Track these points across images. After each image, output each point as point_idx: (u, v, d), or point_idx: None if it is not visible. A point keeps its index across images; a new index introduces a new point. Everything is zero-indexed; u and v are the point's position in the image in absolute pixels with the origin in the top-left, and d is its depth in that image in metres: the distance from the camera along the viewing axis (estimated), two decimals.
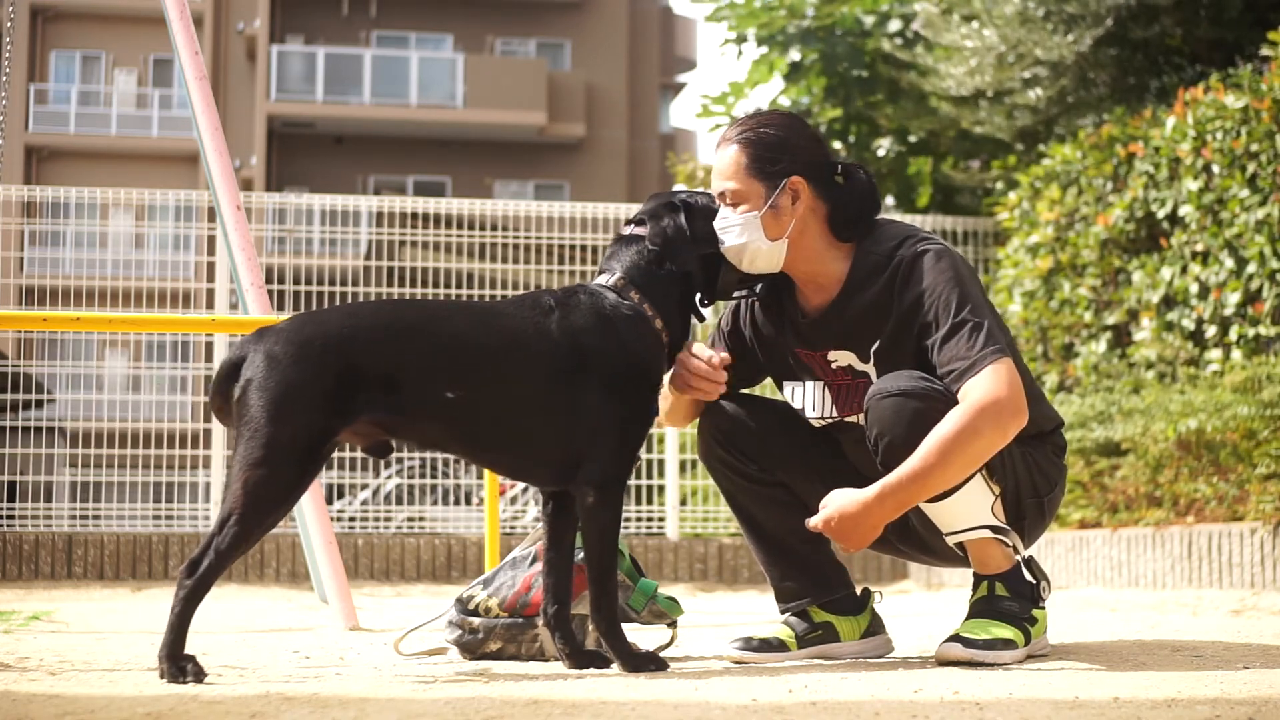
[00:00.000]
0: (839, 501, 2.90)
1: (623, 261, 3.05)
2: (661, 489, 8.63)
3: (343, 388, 2.74)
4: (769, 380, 3.37)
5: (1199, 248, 6.92)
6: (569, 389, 2.89)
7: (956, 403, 2.87)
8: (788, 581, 3.27)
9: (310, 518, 5.20)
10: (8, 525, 8.09)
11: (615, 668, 2.93)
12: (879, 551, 3.26)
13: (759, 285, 3.18)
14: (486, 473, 5.72)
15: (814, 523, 2.93)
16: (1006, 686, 2.52)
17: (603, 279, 3.04)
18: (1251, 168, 6.58)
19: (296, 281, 8.51)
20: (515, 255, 8.87)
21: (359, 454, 8.87)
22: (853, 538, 2.90)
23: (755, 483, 3.25)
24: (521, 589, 3.28)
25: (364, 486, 9.21)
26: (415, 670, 3.01)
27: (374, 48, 28.68)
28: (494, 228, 8.91)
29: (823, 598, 3.25)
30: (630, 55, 29.88)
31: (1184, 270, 7.06)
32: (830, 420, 3.17)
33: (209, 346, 8.68)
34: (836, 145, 11.32)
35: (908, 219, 9.37)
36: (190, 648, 2.69)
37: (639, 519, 8.58)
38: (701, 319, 3.14)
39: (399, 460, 9.58)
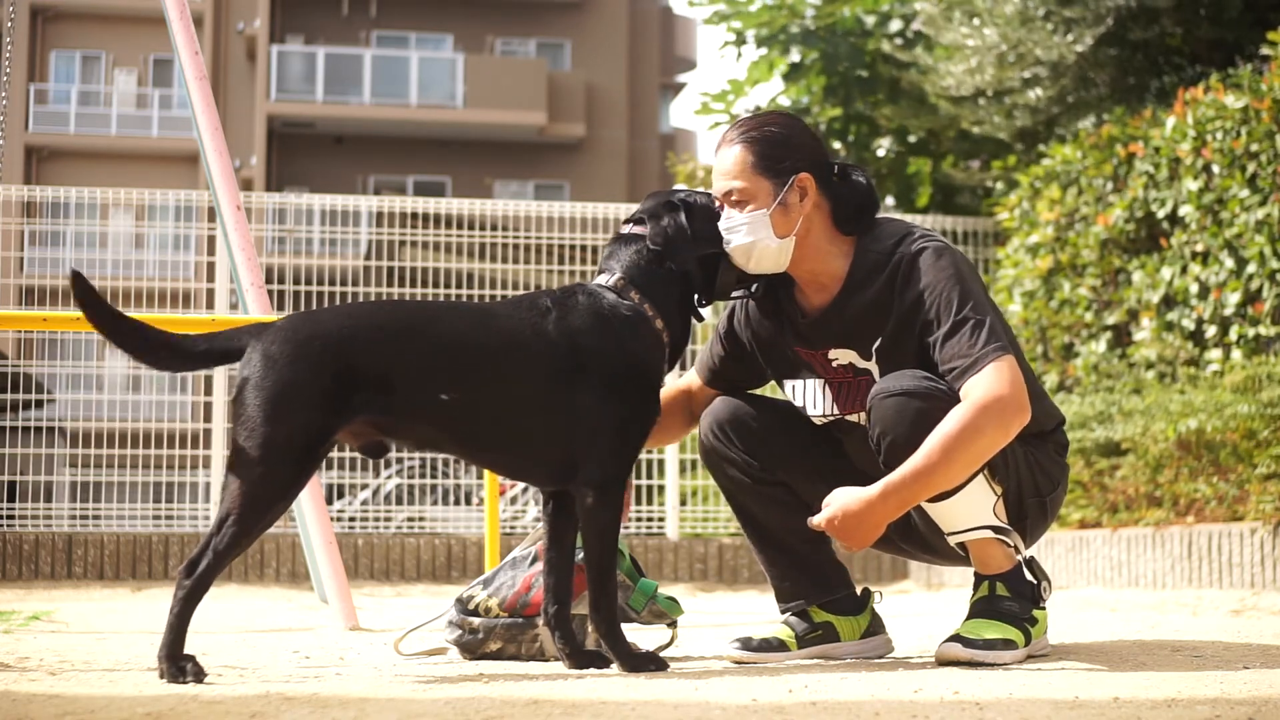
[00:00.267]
0: (842, 500, 2.90)
1: (622, 261, 3.04)
2: (661, 489, 8.63)
3: (339, 387, 2.74)
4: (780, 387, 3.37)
5: (1199, 248, 6.92)
6: (567, 390, 2.88)
7: (959, 402, 2.87)
8: (788, 581, 3.27)
9: (310, 518, 5.20)
10: (8, 525, 8.08)
11: (615, 668, 2.92)
12: (881, 550, 3.27)
13: (756, 286, 3.18)
14: (487, 472, 5.71)
15: (816, 521, 2.93)
16: (1006, 686, 2.52)
17: (602, 279, 3.04)
18: (1251, 168, 6.58)
19: (296, 281, 8.51)
20: (515, 255, 8.87)
21: (359, 454, 8.86)
22: (855, 536, 2.90)
23: (756, 482, 3.25)
24: (521, 589, 3.28)
25: (364, 486, 9.21)
26: (415, 670, 3.01)
27: (374, 48, 28.68)
28: (494, 228, 8.91)
29: (823, 598, 3.25)
30: (630, 55, 29.88)
31: (1184, 270, 7.06)
32: (832, 418, 3.17)
33: None
34: (836, 145, 11.32)
35: (908, 219, 9.36)
36: (190, 648, 2.69)
37: (639, 519, 8.58)
38: (700, 319, 3.14)
39: (399, 460, 9.58)
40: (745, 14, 11.41)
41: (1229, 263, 6.68)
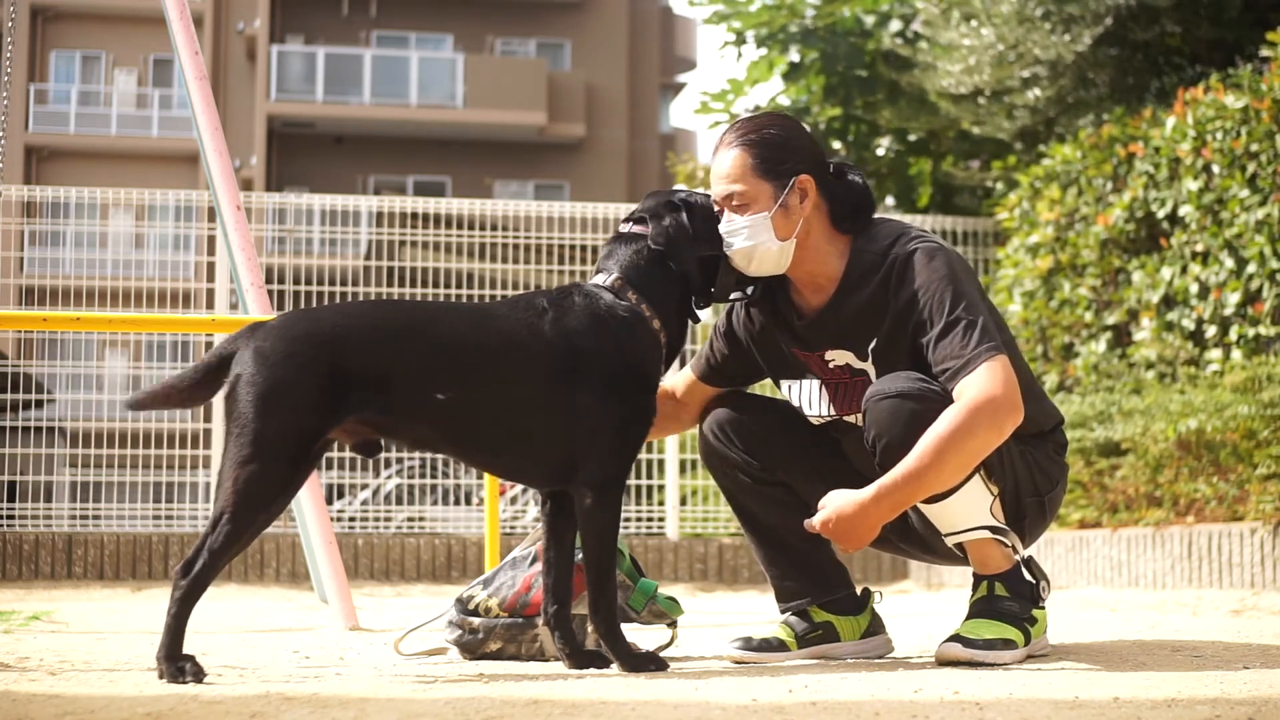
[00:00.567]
0: (836, 502, 2.90)
1: (620, 261, 3.04)
2: (661, 489, 8.63)
3: (333, 386, 2.73)
4: (768, 381, 3.37)
5: (1199, 248, 6.92)
6: (564, 390, 2.87)
7: (952, 403, 2.87)
8: (788, 581, 3.27)
9: (310, 518, 5.20)
10: (8, 525, 8.08)
11: (615, 668, 2.92)
12: (880, 550, 3.27)
13: (754, 288, 3.17)
14: (487, 472, 5.71)
15: (812, 523, 2.93)
16: (1006, 686, 2.52)
17: (599, 279, 3.03)
18: (1251, 168, 6.58)
19: (296, 281, 8.51)
20: (515, 255, 8.86)
21: (352, 452, 8.85)
22: (850, 538, 2.90)
23: (756, 482, 3.25)
24: (521, 589, 3.28)
25: (364, 486, 9.21)
26: (415, 670, 3.01)
27: (374, 48, 28.68)
28: (494, 228, 8.91)
29: (823, 597, 3.26)
30: (630, 55, 29.88)
31: (1184, 270, 7.06)
32: (829, 418, 3.17)
33: (209, 346, 8.67)
34: (836, 145, 11.32)
35: (907, 219, 9.37)
36: (190, 648, 2.69)
37: (639, 519, 8.58)
38: (697, 320, 3.14)
39: (399, 460, 9.58)
40: (745, 14, 11.41)
41: (1229, 263, 6.68)
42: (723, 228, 3.05)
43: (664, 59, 32.13)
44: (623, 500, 3.00)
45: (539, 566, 3.23)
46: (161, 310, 9.29)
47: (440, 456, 9.37)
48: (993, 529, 3.00)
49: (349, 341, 2.77)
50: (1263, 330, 6.46)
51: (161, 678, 2.64)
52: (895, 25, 11.12)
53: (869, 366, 3.06)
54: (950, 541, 3.05)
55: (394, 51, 28.46)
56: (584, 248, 8.75)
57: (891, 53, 10.76)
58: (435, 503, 9.34)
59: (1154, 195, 7.32)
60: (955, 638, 2.96)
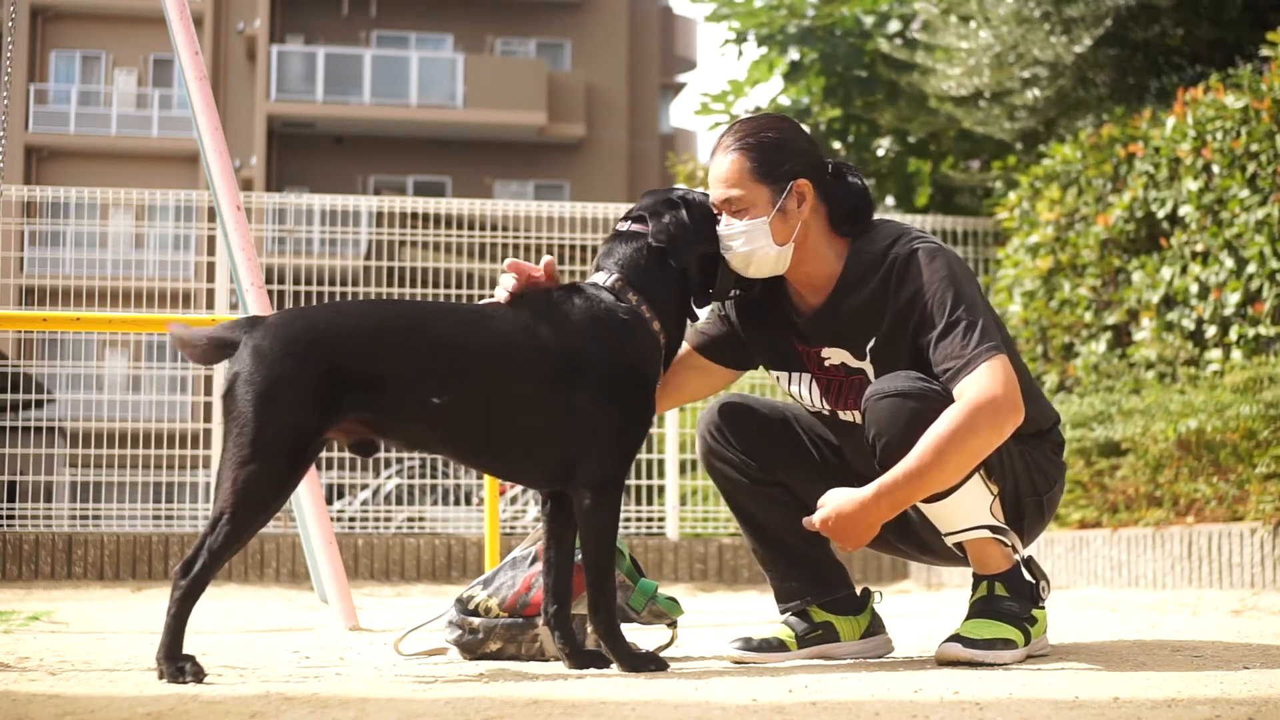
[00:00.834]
0: (836, 501, 2.90)
1: (620, 260, 3.02)
2: (661, 489, 8.63)
3: (330, 384, 2.73)
4: (767, 381, 3.37)
5: (1199, 248, 6.92)
6: (562, 392, 2.87)
7: (953, 402, 2.87)
8: (787, 581, 3.27)
9: (310, 518, 5.20)
10: (8, 525, 8.09)
11: (615, 668, 2.92)
12: (879, 550, 3.27)
13: (755, 287, 3.16)
14: (485, 473, 5.71)
15: (811, 521, 2.93)
16: (1006, 686, 2.52)
17: (599, 278, 3.02)
18: (1251, 168, 6.58)
19: (296, 281, 8.51)
20: (515, 255, 8.86)
21: (349, 452, 8.85)
22: (849, 537, 2.90)
23: (754, 482, 3.25)
24: (521, 589, 3.28)
25: (364, 486, 9.21)
26: (415, 670, 3.01)
27: (374, 48, 28.68)
28: (494, 228, 8.91)
29: (822, 597, 3.26)
30: (630, 55, 29.88)
31: (1184, 270, 7.06)
32: (826, 410, 3.16)
33: None
34: (836, 145, 11.32)
35: (907, 219, 9.37)
36: (190, 648, 2.69)
37: (639, 519, 8.58)
38: (696, 319, 3.13)
39: (399, 460, 9.59)
40: (745, 13, 11.41)
41: (1229, 263, 6.68)
42: (721, 231, 3.04)
43: (664, 59, 32.14)
44: (622, 500, 2.99)
45: (539, 566, 3.22)
46: (161, 310, 9.29)
47: (440, 456, 9.38)
48: (992, 528, 3.00)
49: (346, 340, 2.77)
50: (1263, 330, 6.46)
51: (161, 678, 2.64)
52: (894, 26, 11.12)
53: (866, 365, 3.06)
54: (950, 541, 3.05)
55: (394, 51, 28.47)
56: (584, 248, 8.75)
57: (890, 56, 10.76)
58: (435, 503, 9.34)
59: (1154, 195, 7.32)
60: (955, 638, 2.96)
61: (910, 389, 2.89)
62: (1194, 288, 6.93)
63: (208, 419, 8.26)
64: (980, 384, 2.84)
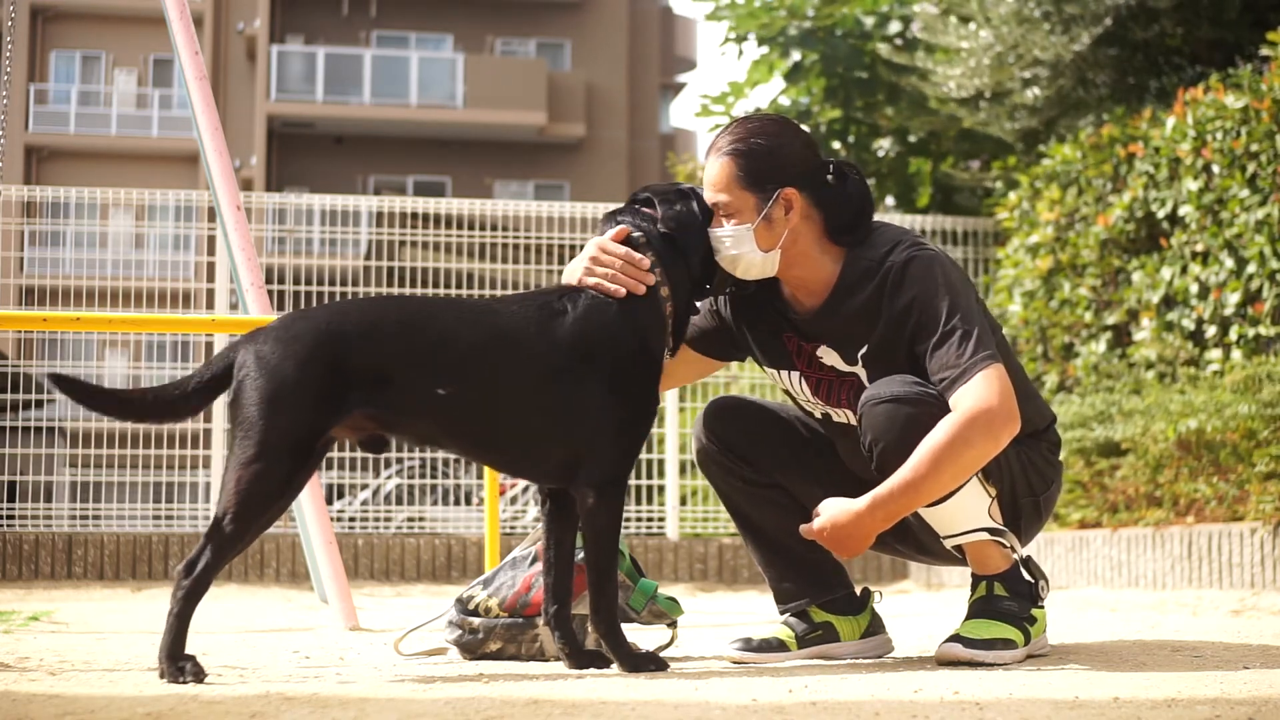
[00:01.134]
0: (831, 511, 2.90)
1: (644, 229, 3.02)
2: (661, 489, 8.63)
3: (333, 383, 2.74)
4: (767, 382, 3.37)
5: (1199, 248, 6.92)
6: (568, 385, 2.87)
7: (949, 407, 2.87)
8: (786, 582, 3.27)
9: (310, 518, 5.20)
10: (8, 525, 8.09)
11: (615, 668, 2.92)
12: (877, 551, 3.26)
13: (750, 286, 3.16)
14: (486, 472, 5.72)
15: (808, 529, 2.93)
16: (1006, 686, 2.52)
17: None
18: (1251, 168, 6.58)
19: (296, 281, 8.51)
20: (515, 255, 8.87)
21: (359, 454, 8.88)
22: (845, 547, 2.90)
23: (751, 485, 3.25)
24: (521, 589, 3.28)
25: (364, 486, 9.21)
26: (415, 670, 3.01)
27: (374, 48, 28.68)
28: (494, 228, 8.91)
29: (822, 598, 3.25)
30: (630, 55, 29.89)
31: (1184, 270, 7.06)
32: (818, 408, 3.16)
33: (209, 346, 8.68)
34: (836, 146, 11.31)
35: (908, 219, 9.37)
36: (190, 648, 2.69)
37: (639, 519, 8.58)
38: (697, 311, 3.13)
39: (399, 460, 9.59)
40: (745, 14, 11.41)
41: (1229, 263, 6.68)
42: (712, 232, 3.04)
43: (664, 59, 32.14)
44: (624, 500, 2.99)
45: (539, 566, 3.22)
46: (161, 310, 9.29)
47: (440, 456, 9.38)
48: (991, 531, 3.00)
49: (348, 337, 2.77)
50: (1263, 330, 6.46)
51: (162, 678, 2.64)
52: (895, 27, 11.11)
53: (859, 370, 3.05)
54: (949, 544, 3.05)
55: (394, 51, 28.47)
56: (584, 248, 8.73)
57: (890, 60, 10.75)
58: (435, 503, 9.34)
59: (1154, 195, 7.32)
60: (955, 638, 2.96)
61: (906, 394, 2.89)
62: (1194, 288, 6.93)
63: (208, 419, 8.26)
64: (976, 394, 2.83)
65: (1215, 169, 6.83)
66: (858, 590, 3.32)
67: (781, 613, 3.30)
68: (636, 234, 3.00)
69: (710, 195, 3.04)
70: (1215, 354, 6.74)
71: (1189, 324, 6.99)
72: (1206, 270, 6.84)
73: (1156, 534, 6.02)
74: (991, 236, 9.24)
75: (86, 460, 8.68)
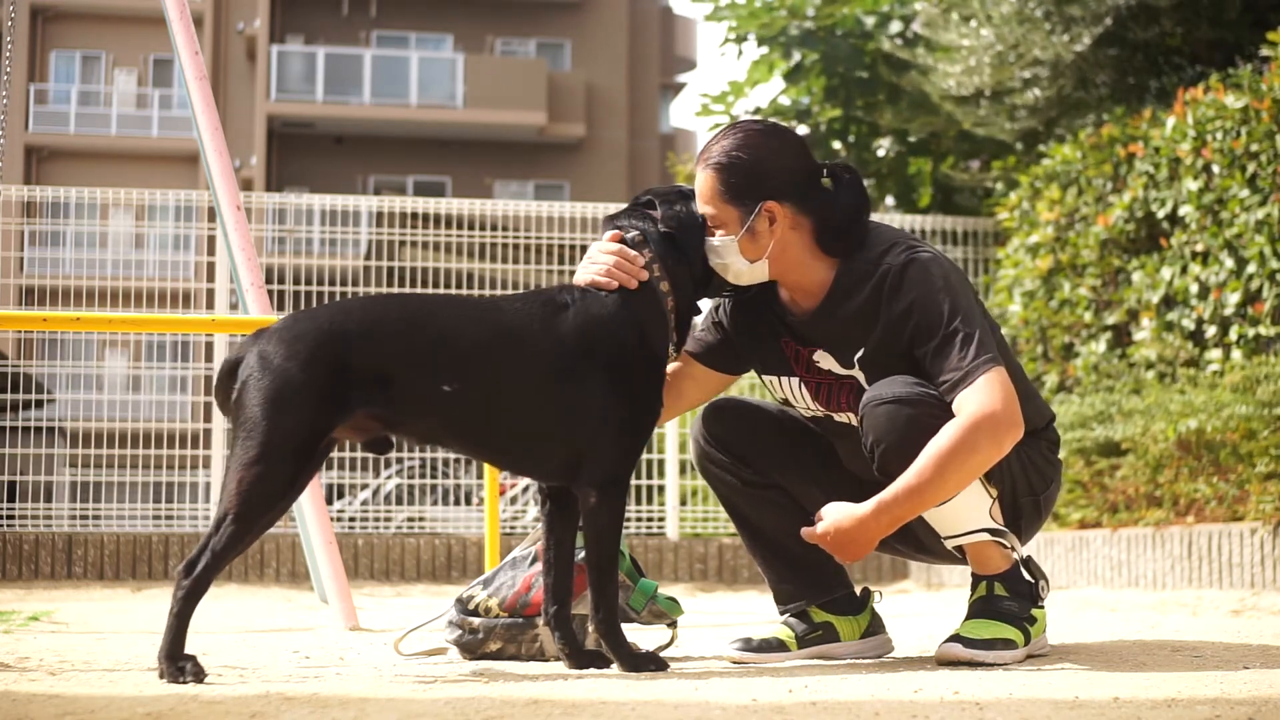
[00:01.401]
0: (834, 515, 2.90)
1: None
2: (661, 489, 8.63)
3: (336, 383, 2.74)
4: (760, 385, 3.36)
5: (1199, 248, 6.92)
6: (571, 382, 2.87)
7: (950, 408, 2.86)
8: (786, 583, 3.27)
9: (310, 518, 5.20)
10: (8, 525, 8.09)
11: (615, 668, 2.92)
12: (878, 551, 3.26)
13: (748, 292, 3.16)
14: (487, 472, 5.71)
15: (811, 533, 2.93)
16: (1006, 686, 2.52)
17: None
18: (1251, 168, 6.58)
19: (296, 281, 8.51)
20: (515, 255, 8.87)
21: (359, 454, 8.88)
22: (848, 551, 2.90)
23: (750, 486, 3.25)
24: (521, 589, 3.28)
25: (364, 486, 9.21)
26: (415, 670, 3.01)
27: (374, 48, 28.68)
28: (494, 228, 8.91)
29: (822, 598, 3.25)
30: (630, 55, 29.88)
31: (1184, 270, 7.06)
32: (819, 412, 3.16)
33: (209, 346, 8.68)
34: (836, 146, 11.31)
35: (908, 220, 9.37)
36: (190, 648, 2.69)
37: (639, 519, 8.58)
38: (699, 311, 3.13)
39: (399, 460, 9.59)
40: (745, 14, 11.41)
41: (1229, 263, 6.68)
42: (706, 241, 3.05)
43: (664, 59, 32.13)
44: (627, 500, 2.99)
45: (539, 566, 3.22)
46: (161, 310, 9.29)
47: (440, 456, 9.39)
48: (992, 531, 3.00)
49: (351, 336, 2.77)
50: (1263, 330, 6.46)
51: (162, 678, 2.64)
52: (895, 26, 11.12)
53: (856, 373, 3.05)
54: (950, 544, 3.05)
55: (394, 51, 28.47)
56: (584, 248, 8.72)
57: (892, 55, 10.76)
58: (435, 503, 9.34)
59: (1154, 195, 7.32)
60: (955, 638, 2.96)
61: (907, 395, 2.89)
62: (1194, 288, 6.93)
63: (208, 419, 8.26)
64: (979, 399, 2.83)
65: (1215, 169, 6.83)
66: (857, 590, 3.32)
67: (781, 613, 3.30)
68: (633, 234, 3.01)
69: (700, 206, 3.05)
70: (1215, 354, 6.74)
71: (1189, 324, 6.99)
72: (1206, 270, 6.84)
73: (1156, 534, 6.02)
74: (991, 236, 9.24)
75: (86, 460, 8.68)
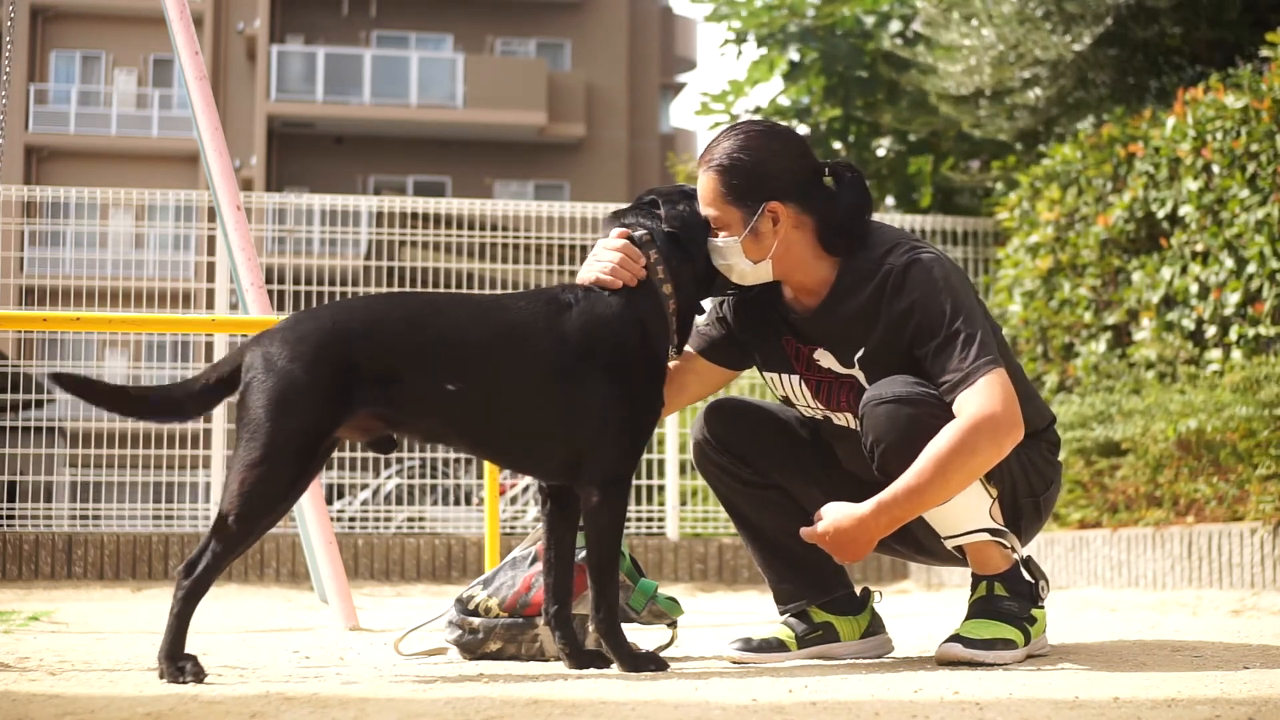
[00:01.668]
0: (834, 515, 2.90)
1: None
2: (661, 489, 8.63)
3: (340, 383, 2.73)
4: (761, 385, 3.36)
5: (1199, 248, 6.92)
6: (573, 384, 2.87)
7: (950, 407, 2.87)
8: (786, 583, 3.27)
9: (310, 518, 5.20)
10: (8, 525, 8.09)
11: (615, 668, 2.92)
12: (877, 552, 3.26)
13: (751, 290, 3.16)
14: (487, 472, 5.71)
15: (811, 532, 2.93)
16: (1006, 686, 2.52)
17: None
18: (1251, 168, 6.58)
19: (296, 281, 8.51)
20: (515, 255, 8.87)
21: (359, 454, 8.88)
22: (848, 551, 2.90)
23: (750, 486, 3.25)
24: (521, 589, 3.28)
25: (364, 486, 9.21)
26: (415, 670, 3.01)
27: (374, 48, 28.68)
28: (494, 228, 8.91)
29: (821, 598, 3.25)
30: (630, 55, 29.88)
31: (1184, 270, 7.06)
32: (818, 410, 3.16)
33: (209, 346, 8.68)
34: (836, 145, 11.31)
35: (908, 220, 9.37)
36: (190, 648, 2.69)
37: (639, 519, 8.58)
38: (702, 311, 3.14)
39: (399, 460, 9.59)
40: (745, 13, 11.41)
41: (1229, 263, 6.68)
42: (709, 242, 3.05)
43: (664, 59, 32.13)
44: (628, 500, 2.99)
45: (539, 566, 3.22)
46: (161, 310, 9.29)
47: (441, 456, 9.38)
48: (992, 531, 3.00)
49: (354, 336, 2.77)
50: (1263, 330, 6.46)
51: (162, 678, 2.64)
52: (895, 26, 11.12)
53: (856, 373, 3.05)
54: (950, 544, 3.05)
55: (394, 51, 28.47)
56: (584, 248, 8.75)
57: (892, 53, 10.76)
58: (435, 503, 9.34)
59: (1154, 195, 7.32)
60: (955, 638, 2.97)
61: (907, 394, 2.89)
62: (1194, 288, 6.93)
63: (208, 419, 8.26)
64: (980, 400, 2.83)
65: (1215, 169, 6.83)
66: (857, 590, 3.32)
67: (781, 613, 3.30)
68: (640, 232, 3.01)
69: (702, 209, 3.05)
70: (1215, 354, 6.74)
71: (1189, 324, 6.99)
72: (1206, 270, 6.84)
73: (1156, 534, 6.02)
74: (991, 236, 9.24)
75: (86, 460, 8.68)
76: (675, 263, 3.01)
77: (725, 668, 3.04)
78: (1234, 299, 6.63)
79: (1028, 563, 3.09)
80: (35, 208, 9.30)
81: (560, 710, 2.24)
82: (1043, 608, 3.08)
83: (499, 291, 8.84)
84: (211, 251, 8.42)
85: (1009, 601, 3.01)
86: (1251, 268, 6.54)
